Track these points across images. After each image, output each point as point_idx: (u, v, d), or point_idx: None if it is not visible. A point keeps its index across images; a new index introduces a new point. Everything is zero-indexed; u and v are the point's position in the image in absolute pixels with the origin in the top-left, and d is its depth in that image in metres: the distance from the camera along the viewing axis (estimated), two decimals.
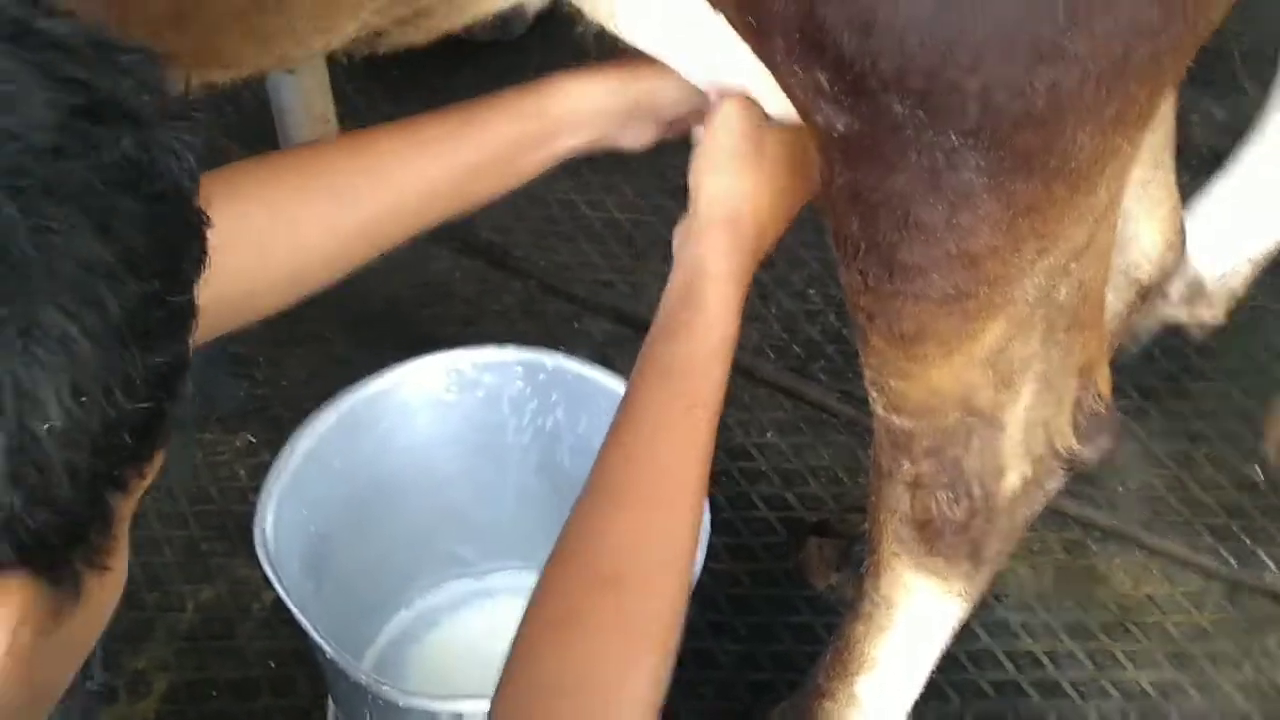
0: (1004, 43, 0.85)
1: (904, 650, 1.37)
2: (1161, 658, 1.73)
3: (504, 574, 1.71)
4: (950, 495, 1.20)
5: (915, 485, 1.21)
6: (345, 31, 1.03)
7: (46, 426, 0.52)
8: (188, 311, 0.60)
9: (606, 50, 1.15)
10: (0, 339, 0.50)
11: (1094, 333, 1.13)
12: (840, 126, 0.95)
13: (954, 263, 1.00)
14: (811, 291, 2.12)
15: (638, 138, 1.20)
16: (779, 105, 1.06)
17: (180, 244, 0.59)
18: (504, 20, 2.44)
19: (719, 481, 1.89)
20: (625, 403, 1.02)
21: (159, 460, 0.63)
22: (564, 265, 2.17)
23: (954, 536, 1.23)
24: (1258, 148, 1.84)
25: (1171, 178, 1.35)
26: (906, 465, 1.20)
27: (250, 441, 1.93)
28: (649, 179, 2.24)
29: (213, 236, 0.62)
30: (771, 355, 2.04)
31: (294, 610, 1.34)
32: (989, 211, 0.96)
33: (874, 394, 1.16)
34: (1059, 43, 0.85)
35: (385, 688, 1.31)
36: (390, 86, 2.41)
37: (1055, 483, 1.22)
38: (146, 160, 0.56)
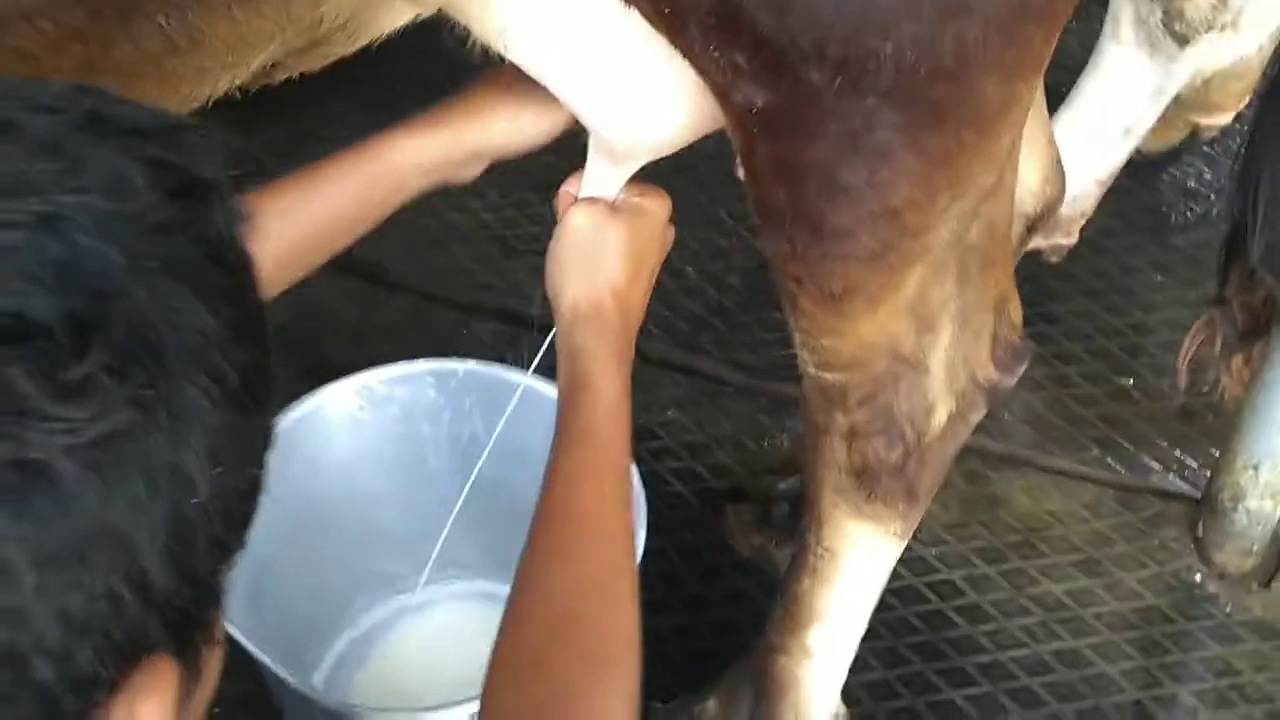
0: (912, 4, 0.90)
1: (849, 597, 1.43)
2: (1070, 568, 1.82)
3: (437, 585, 1.72)
4: (885, 440, 1.25)
5: (851, 435, 1.26)
6: (250, 67, 1.04)
7: (195, 502, 0.53)
8: (270, 367, 0.62)
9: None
10: (152, 424, 0.51)
11: (1004, 268, 1.20)
12: (760, 102, 0.99)
13: (877, 220, 1.05)
14: (689, 269, 2.16)
15: (470, 174, 1.29)
16: (656, 130, 1.14)
17: (256, 304, 0.60)
18: None
19: None
20: (546, 474, 1.12)
21: None
22: (441, 273, 2.17)
23: (890, 479, 1.29)
24: (1094, 75, 1.94)
25: (1044, 113, 1.43)
26: (840, 418, 1.25)
27: None
28: (513, 178, 2.24)
29: None
30: (658, 333, 2.08)
31: (252, 649, 1.34)
32: (906, 166, 1.01)
33: (805, 355, 1.21)
34: None
35: (359, 710, 1.31)
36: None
37: (977, 414, 1.29)
38: (228, 233, 0.58)
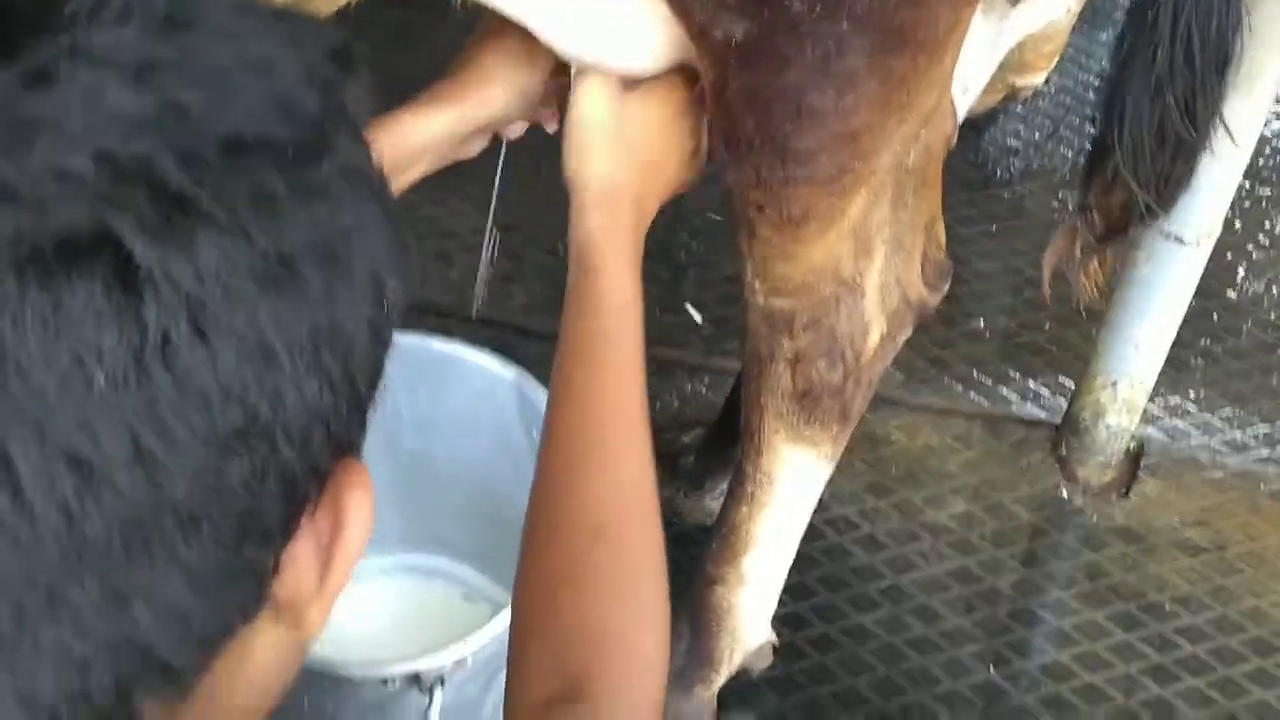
0: None
1: (784, 521, 1.52)
2: (951, 495, 1.95)
3: (361, 560, 1.73)
4: (827, 362, 1.34)
5: (796, 360, 1.34)
6: None
7: (386, 304, 0.58)
8: None
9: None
10: (363, 232, 0.56)
11: (935, 190, 1.31)
12: (739, 34, 1.06)
13: (839, 142, 1.14)
14: (561, 246, 2.22)
15: (475, 150, 1.29)
16: (633, 60, 1.17)
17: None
18: None
19: None
20: (558, 379, 1.11)
21: None
22: None
23: (830, 400, 1.38)
24: None
25: None
26: (787, 343, 1.33)
27: None
28: None
29: None
30: (547, 309, 2.14)
31: None
32: (869, 90, 1.11)
33: (757, 284, 1.29)
34: None
35: (338, 665, 1.33)
36: None
37: (905, 333, 1.39)
38: (361, 97, 0.63)
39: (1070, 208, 1.64)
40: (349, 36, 0.64)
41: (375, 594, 1.76)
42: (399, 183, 1.22)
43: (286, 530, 0.57)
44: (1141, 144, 1.43)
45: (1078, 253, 1.64)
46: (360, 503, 0.60)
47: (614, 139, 1.15)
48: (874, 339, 1.36)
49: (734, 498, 1.51)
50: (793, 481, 1.47)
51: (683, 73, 1.17)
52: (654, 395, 2.07)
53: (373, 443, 1.64)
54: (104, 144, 0.50)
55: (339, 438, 0.57)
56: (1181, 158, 1.44)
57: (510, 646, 1.01)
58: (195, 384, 0.51)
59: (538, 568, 1.03)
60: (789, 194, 1.18)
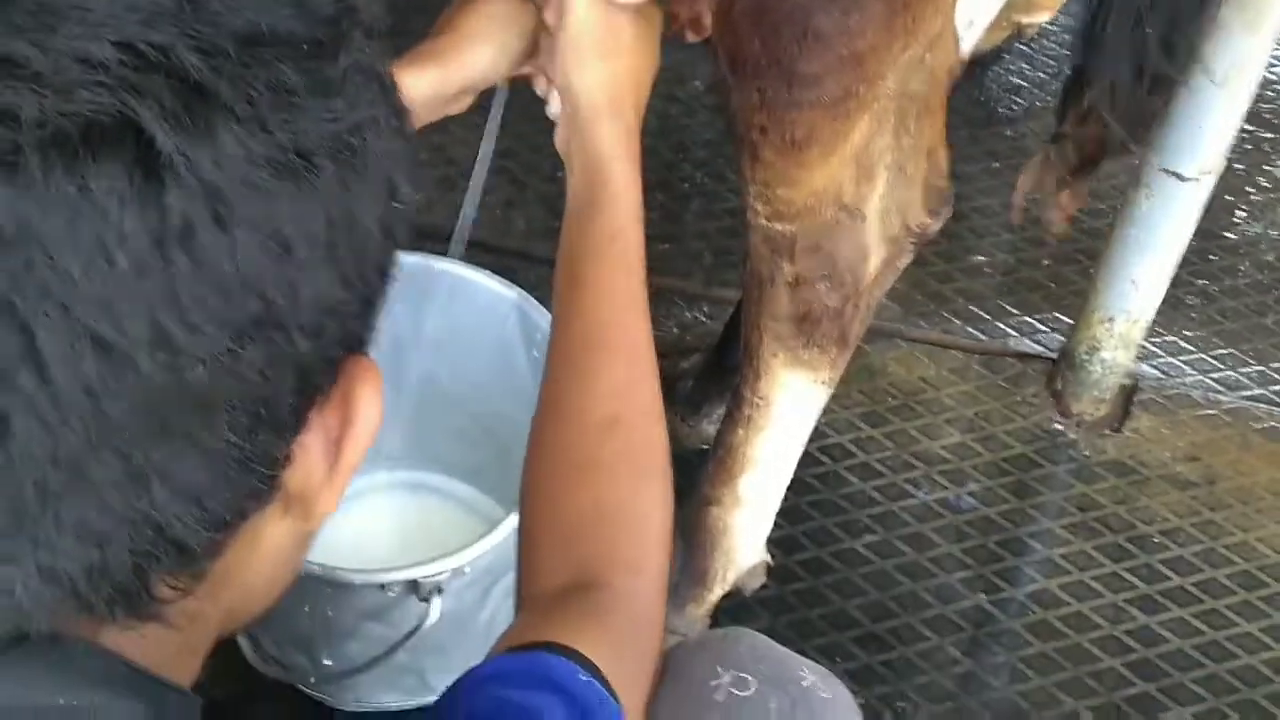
0: None
1: (780, 444, 1.54)
2: (945, 425, 1.98)
3: (364, 476, 1.76)
4: (827, 285, 1.36)
5: (796, 284, 1.36)
6: None
7: (395, 205, 0.60)
8: None
9: None
10: (378, 131, 0.58)
11: (938, 116, 1.32)
12: None
13: (844, 65, 1.15)
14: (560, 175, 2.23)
15: (461, 107, 1.29)
16: None
17: None
18: None
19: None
20: (569, 278, 1.12)
21: None
22: None
23: (829, 324, 1.40)
24: None
25: None
26: (787, 267, 1.35)
27: None
28: None
29: None
30: (541, 235, 2.15)
31: None
32: (874, 12, 1.12)
33: (758, 207, 1.30)
34: None
35: (338, 571, 1.36)
36: None
37: (905, 259, 1.41)
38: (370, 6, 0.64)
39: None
40: None
41: (377, 508, 1.78)
42: None
43: (299, 420, 0.60)
44: (1119, 77, 1.43)
45: (1051, 184, 1.66)
46: (370, 397, 0.62)
47: (605, 47, 1.16)
48: (874, 264, 1.37)
49: (731, 420, 1.53)
50: (790, 405, 1.49)
51: None
52: (654, 323, 2.10)
53: (381, 368, 1.66)
54: (126, 32, 0.52)
55: (350, 332, 0.60)
56: (1158, 92, 1.44)
57: (520, 543, 1.03)
58: (214, 271, 0.52)
59: (550, 458, 1.05)
60: (793, 117, 1.19)
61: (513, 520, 1.35)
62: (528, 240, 2.18)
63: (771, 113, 1.19)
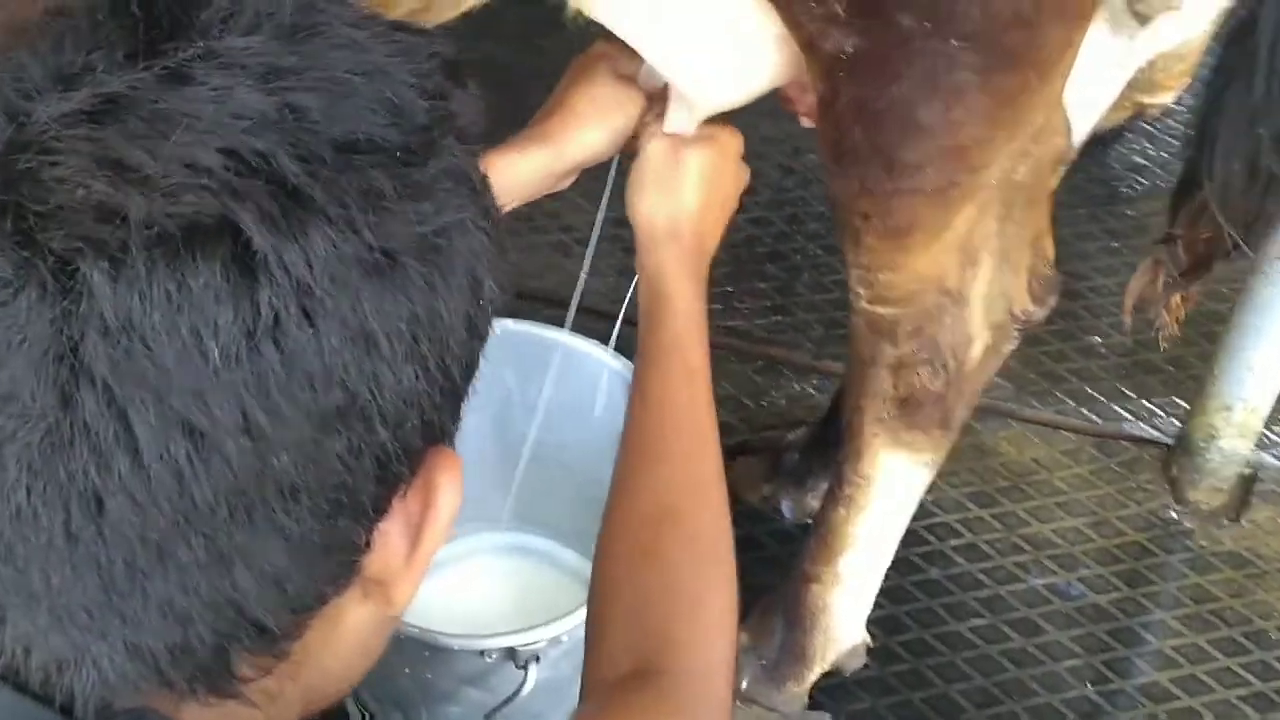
0: None
1: (881, 524, 1.54)
2: (1057, 509, 1.95)
3: (470, 537, 1.79)
4: (930, 370, 1.36)
5: (898, 366, 1.37)
6: None
7: (481, 302, 0.63)
8: None
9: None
10: (465, 233, 0.61)
11: (1043, 206, 1.32)
12: (849, 48, 1.09)
13: (946, 156, 1.16)
14: None
15: (565, 184, 1.34)
16: (721, 88, 1.22)
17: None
18: None
19: None
20: (636, 386, 1.18)
21: None
22: None
23: (931, 408, 1.40)
24: None
25: None
26: (889, 350, 1.36)
27: None
28: None
29: None
30: None
31: None
32: (978, 105, 1.13)
33: (860, 290, 1.31)
34: None
35: (438, 635, 1.38)
36: None
37: (1010, 345, 1.41)
38: (468, 108, 0.67)
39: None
40: (457, 51, 0.68)
41: (482, 570, 1.81)
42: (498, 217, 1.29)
43: (379, 507, 0.62)
44: (1232, 178, 1.41)
45: (1161, 288, 1.63)
46: (449, 487, 0.64)
47: (666, 180, 1.22)
48: (977, 349, 1.38)
49: (833, 498, 1.54)
50: (891, 485, 1.50)
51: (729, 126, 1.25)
52: (761, 393, 2.12)
53: (486, 426, 1.70)
54: (231, 140, 0.56)
55: (432, 423, 0.63)
56: (1273, 195, 1.41)
57: (588, 629, 1.06)
58: (301, 363, 0.56)
59: (614, 547, 1.08)
60: (895, 204, 1.20)
61: None
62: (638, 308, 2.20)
63: (874, 200, 1.20)
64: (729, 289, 2.23)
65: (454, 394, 0.64)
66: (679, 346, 1.17)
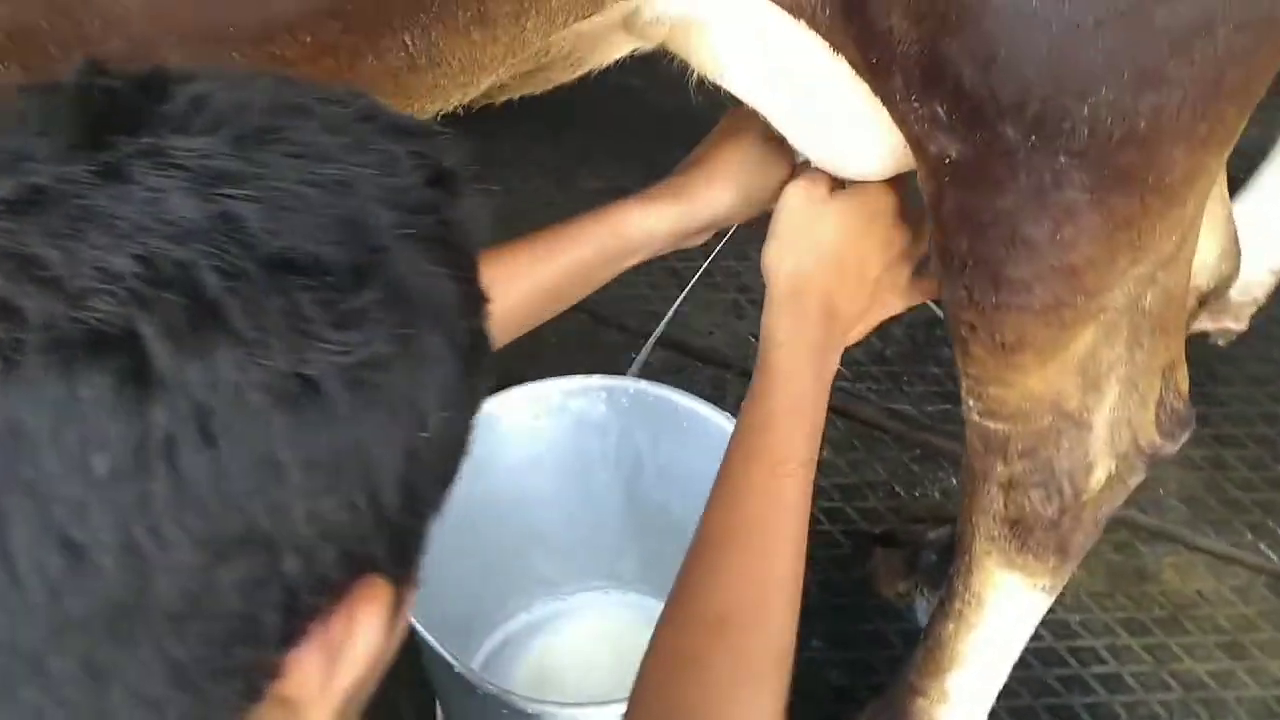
0: (1113, 71, 0.95)
1: (991, 646, 1.45)
2: (1215, 649, 1.81)
3: (593, 593, 1.79)
4: (1043, 494, 1.28)
5: (1009, 486, 1.29)
6: (480, 87, 1.12)
7: (425, 435, 0.59)
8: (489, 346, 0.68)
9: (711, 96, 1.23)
10: (402, 360, 0.58)
11: (1175, 336, 1.23)
12: (953, 153, 1.04)
13: (1055, 275, 1.09)
14: None
15: (696, 242, 1.31)
16: (858, 163, 1.16)
17: (480, 290, 0.67)
18: None
19: None
20: (722, 465, 1.12)
21: None
22: (615, 298, 2.22)
23: (1044, 533, 1.32)
24: (1274, 166, 1.95)
25: (1224, 191, 1.45)
26: (1000, 467, 1.28)
27: None
28: None
29: None
30: None
31: (420, 629, 1.41)
32: (1090, 226, 1.05)
33: (970, 401, 1.25)
34: (1162, 70, 0.95)
35: (514, 696, 1.38)
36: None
37: (1136, 478, 1.31)
38: (467, 221, 0.65)
39: None
40: (459, 157, 0.67)
41: (605, 626, 1.80)
42: (615, 268, 1.27)
43: (288, 637, 0.59)
44: None
45: None
46: (369, 623, 0.61)
47: (804, 235, 1.16)
48: (1098, 477, 1.29)
49: (942, 611, 1.47)
50: (1003, 607, 1.41)
51: (896, 178, 1.17)
52: (916, 483, 2.04)
53: (618, 486, 1.69)
54: (151, 246, 0.54)
55: (356, 555, 0.59)
56: None
57: (626, 715, 1.03)
58: (194, 488, 0.54)
59: (661, 645, 1.04)
60: (1001, 319, 1.13)
61: None
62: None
63: (980, 312, 1.14)
64: (897, 369, 2.16)
65: (393, 524, 0.60)
66: (771, 428, 1.11)
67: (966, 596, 1.42)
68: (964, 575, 1.41)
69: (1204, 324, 2.01)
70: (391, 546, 0.61)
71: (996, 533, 1.34)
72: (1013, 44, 0.95)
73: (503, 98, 1.24)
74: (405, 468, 0.59)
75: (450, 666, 1.39)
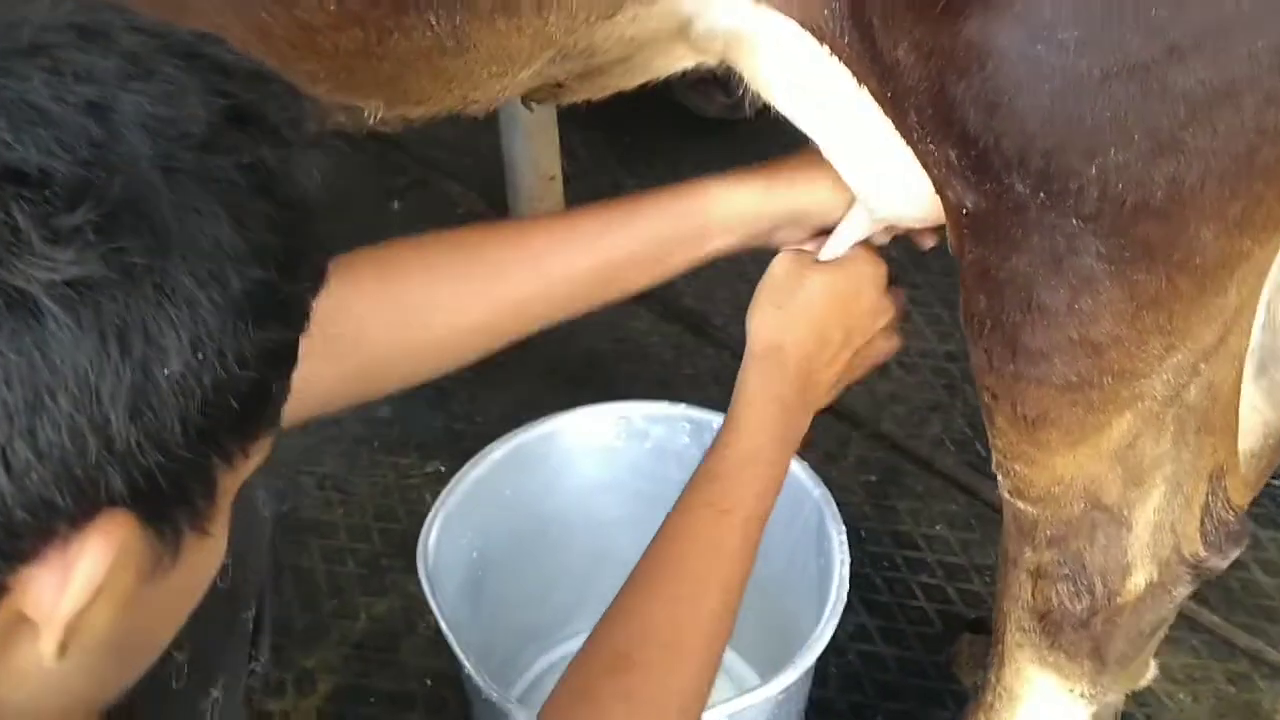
0: (1122, 132, 0.87)
1: None
2: None
3: None
4: (1071, 588, 1.19)
5: (1037, 574, 1.21)
6: (520, 79, 1.11)
7: (166, 372, 0.60)
8: (300, 305, 0.68)
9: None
10: (137, 288, 0.59)
11: (1225, 437, 1.12)
12: (969, 203, 0.98)
13: (1075, 349, 1.01)
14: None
15: (787, 240, 1.24)
16: (898, 202, 1.12)
17: (301, 248, 0.66)
18: (734, 102, 2.53)
19: (881, 566, 1.90)
20: (672, 510, 1.11)
21: (264, 447, 0.70)
22: None
23: (1074, 632, 1.22)
24: None
25: None
26: (1029, 553, 1.20)
27: (440, 470, 2.04)
28: None
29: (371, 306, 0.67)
30: (952, 448, 2.04)
31: (443, 624, 1.41)
32: (1111, 299, 0.97)
33: (1000, 476, 1.17)
34: (1179, 136, 0.87)
35: (525, 712, 1.36)
36: (620, 151, 2.52)
37: (1183, 589, 1.21)
38: (282, 171, 0.65)
39: None
40: (295, 111, 0.67)
41: None
42: (706, 250, 1.21)
43: (11, 554, 0.61)
44: None
45: None
46: (95, 554, 0.61)
47: (790, 298, 1.15)
48: (1137, 581, 1.19)
49: (976, 700, 1.38)
50: (1037, 708, 1.32)
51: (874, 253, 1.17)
52: (980, 546, 1.92)
53: None
54: None
55: (82, 482, 0.60)
56: None
57: None
58: None
59: (561, 683, 1.04)
60: (1022, 390, 1.06)
61: (764, 690, 1.33)
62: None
63: (1000, 380, 1.07)
64: None
65: (132, 458, 0.60)
66: (721, 477, 1.11)
67: (999, 689, 1.33)
68: (997, 666, 1.33)
69: None
70: (133, 482, 0.61)
71: (1027, 624, 1.25)
72: (1017, 91, 0.89)
73: (567, 99, 1.24)
74: (141, 401, 0.59)
75: (466, 672, 1.38)
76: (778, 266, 1.18)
